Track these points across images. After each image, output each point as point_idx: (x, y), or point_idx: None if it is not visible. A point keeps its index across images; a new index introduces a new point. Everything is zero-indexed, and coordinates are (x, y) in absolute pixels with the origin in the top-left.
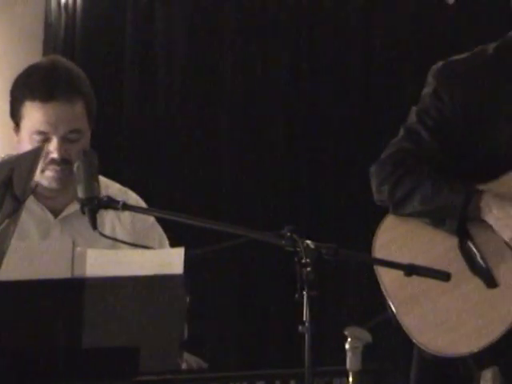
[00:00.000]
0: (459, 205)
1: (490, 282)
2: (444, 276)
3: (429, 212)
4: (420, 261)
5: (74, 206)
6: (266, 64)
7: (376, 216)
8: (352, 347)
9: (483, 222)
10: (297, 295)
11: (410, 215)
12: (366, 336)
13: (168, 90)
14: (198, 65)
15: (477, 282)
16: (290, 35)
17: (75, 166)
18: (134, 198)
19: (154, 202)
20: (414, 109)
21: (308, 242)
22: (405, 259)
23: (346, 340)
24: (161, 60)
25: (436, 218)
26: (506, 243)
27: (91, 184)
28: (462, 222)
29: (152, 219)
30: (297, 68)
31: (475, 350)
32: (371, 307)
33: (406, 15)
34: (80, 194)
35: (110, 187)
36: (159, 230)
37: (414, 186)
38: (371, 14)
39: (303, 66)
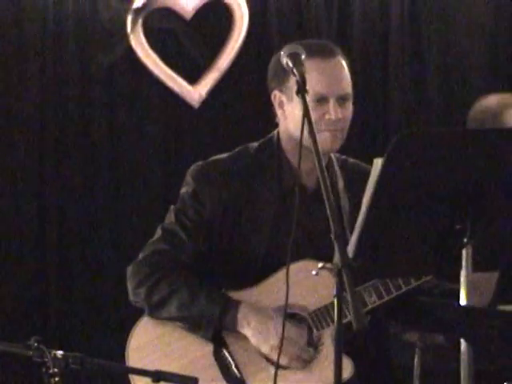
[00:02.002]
0: (215, 316)
1: None
2: (191, 382)
3: (185, 318)
4: (174, 365)
5: None
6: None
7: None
8: None
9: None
10: None
11: (167, 319)
12: None
13: None
14: None
15: None
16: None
17: None
18: None
19: None
20: (172, 208)
21: (55, 352)
22: (159, 363)
23: None
24: None
25: (192, 325)
26: (263, 356)
27: None
28: (217, 331)
29: None
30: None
31: None
32: None
33: (153, 117)
34: None
35: None
36: None
37: (171, 292)
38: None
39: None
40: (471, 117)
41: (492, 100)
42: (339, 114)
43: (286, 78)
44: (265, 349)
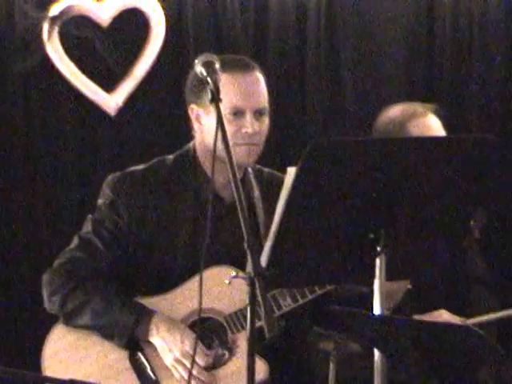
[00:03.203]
0: (129, 326)
1: None
2: None
3: (99, 327)
4: (90, 370)
5: None
6: None
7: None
8: None
9: None
10: None
11: (82, 328)
12: None
13: None
14: None
15: None
16: None
17: None
18: None
19: None
20: (89, 217)
21: None
22: (75, 369)
23: None
24: None
25: (105, 334)
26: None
27: None
28: (131, 339)
29: None
30: None
31: None
32: None
33: (69, 125)
34: None
35: None
36: None
37: (85, 301)
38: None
39: None
40: (376, 128)
41: (396, 111)
42: (256, 128)
43: (203, 91)
44: (168, 359)
